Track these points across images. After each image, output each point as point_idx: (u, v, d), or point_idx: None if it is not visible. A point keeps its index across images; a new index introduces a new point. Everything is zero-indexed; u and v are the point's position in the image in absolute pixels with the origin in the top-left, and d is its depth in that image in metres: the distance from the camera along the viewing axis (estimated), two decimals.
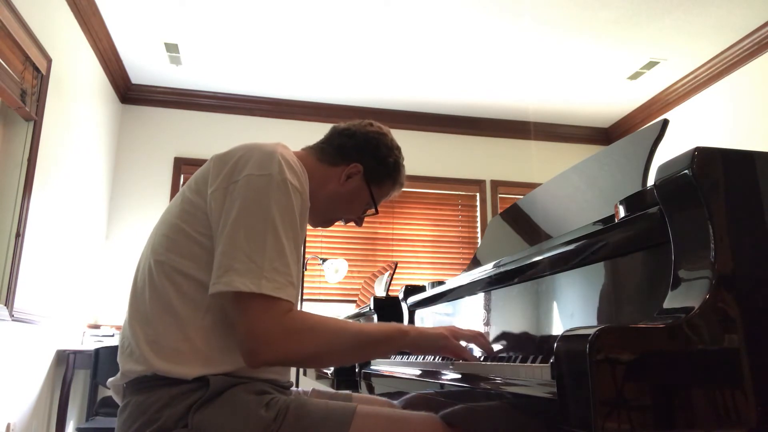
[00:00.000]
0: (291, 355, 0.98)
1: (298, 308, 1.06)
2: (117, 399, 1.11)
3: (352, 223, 1.38)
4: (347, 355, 1.11)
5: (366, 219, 1.39)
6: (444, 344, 1.14)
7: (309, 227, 1.31)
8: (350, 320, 1.41)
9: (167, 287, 1.04)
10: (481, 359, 1.15)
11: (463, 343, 1.18)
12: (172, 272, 1.05)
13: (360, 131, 1.29)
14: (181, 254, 1.05)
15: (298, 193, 1.05)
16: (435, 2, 3.40)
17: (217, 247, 0.99)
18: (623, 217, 0.88)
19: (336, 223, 1.37)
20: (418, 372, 1.32)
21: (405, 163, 1.36)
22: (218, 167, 1.07)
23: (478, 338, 1.20)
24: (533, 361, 0.89)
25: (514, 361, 0.96)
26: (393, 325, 1.14)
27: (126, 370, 1.05)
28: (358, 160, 1.27)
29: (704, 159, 0.76)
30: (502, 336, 1.29)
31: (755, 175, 0.78)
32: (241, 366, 1.04)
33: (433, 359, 1.37)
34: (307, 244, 4.25)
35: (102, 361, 3.17)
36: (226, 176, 1.05)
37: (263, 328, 0.95)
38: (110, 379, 1.11)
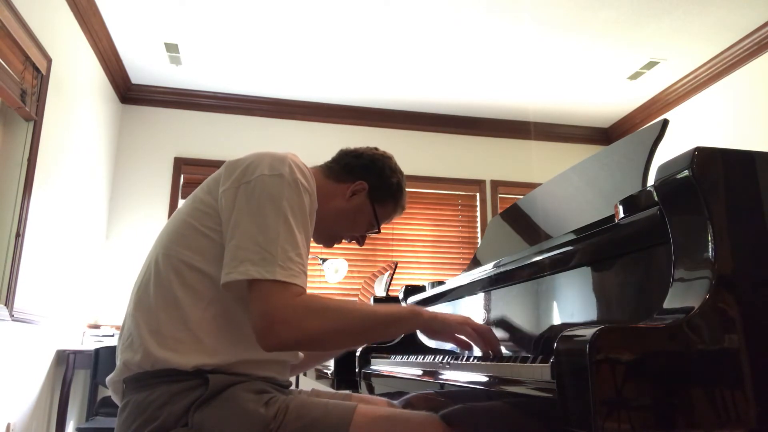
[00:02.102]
0: (306, 333, 0.99)
1: None
2: (116, 399, 1.12)
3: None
4: (361, 334, 1.12)
5: None
6: (460, 329, 1.14)
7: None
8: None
9: (172, 278, 1.08)
10: (481, 360, 1.15)
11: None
12: (178, 264, 1.08)
13: (367, 153, 1.36)
14: (188, 247, 1.09)
15: (307, 193, 1.10)
16: (435, 2, 3.40)
17: (230, 241, 1.03)
18: (623, 217, 0.88)
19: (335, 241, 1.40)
20: (419, 372, 1.32)
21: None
22: (230, 170, 1.13)
23: (489, 333, 1.19)
24: (533, 361, 0.89)
25: (514, 361, 0.95)
26: (407, 306, 1.15)
27: (125, 359, 1.06)
28: (364, 178, 1.33)
29: (704, 159, 0.76)
30: (502, 336, 1.29)
31: (755, 175, 0.78)
32: (241, 359, 1.06)
33: (433, 359, 1.37)
34: None
35: (102, 361, 3.17)
36: (237, 177, 1.09)
37: (278, 308, 0.98)
38: (109, 377, 1.12)
